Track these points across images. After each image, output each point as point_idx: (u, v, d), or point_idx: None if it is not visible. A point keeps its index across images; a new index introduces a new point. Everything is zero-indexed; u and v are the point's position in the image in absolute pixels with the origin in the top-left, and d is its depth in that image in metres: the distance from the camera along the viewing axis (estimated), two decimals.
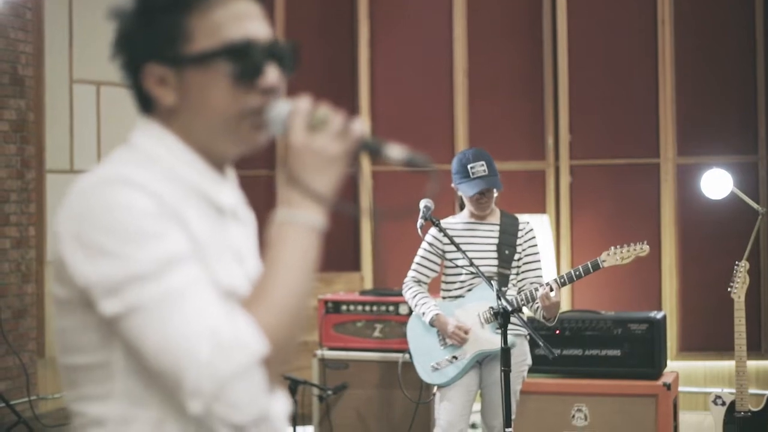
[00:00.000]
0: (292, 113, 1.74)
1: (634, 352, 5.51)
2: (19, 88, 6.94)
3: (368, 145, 1.75)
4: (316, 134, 1.72)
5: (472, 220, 5.28)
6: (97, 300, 1.64)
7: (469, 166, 5.17)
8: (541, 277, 5.24)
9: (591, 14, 7.53)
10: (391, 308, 6.14)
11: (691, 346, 7.24)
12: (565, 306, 7.15)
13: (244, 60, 1.76)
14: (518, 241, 5.20)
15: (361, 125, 1.75)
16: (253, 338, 1.61)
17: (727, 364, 6.73)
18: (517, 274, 5.19)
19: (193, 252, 1.68)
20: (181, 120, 1.80)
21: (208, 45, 1.76)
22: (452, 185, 5.29)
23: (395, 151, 1.74)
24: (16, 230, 6.90)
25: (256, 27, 1.80)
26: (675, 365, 6.60)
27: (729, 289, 5.55)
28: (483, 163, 5.20)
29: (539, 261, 5.29)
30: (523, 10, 7.70)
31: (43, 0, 7.09)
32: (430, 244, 5.29)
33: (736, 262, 5.58)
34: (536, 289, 4.98)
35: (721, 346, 6.82)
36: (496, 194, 5.24)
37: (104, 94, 7.38)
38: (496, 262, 5.16)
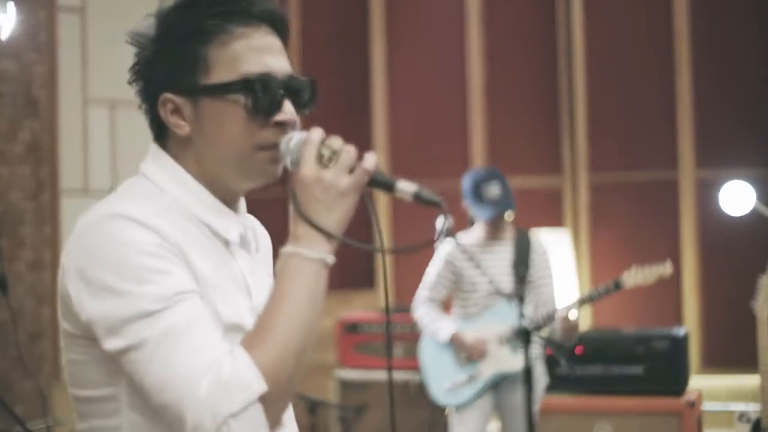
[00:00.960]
0: (303, 145, 1.73)
1: (657, 369, 5.44)
2: (33, 110, 6.91)
3: (379, 181, 1.74)
4: (326, 167, 1.71)
5: (486, 238, 5.23)
6: (101, 336, 1.65)
7: (481, 188, 5.12)
8: (553, 296, 5.19)
9: (606, 27, 7.49)
10: (412, 327, 6.09)
11: (714, 363, 7.15)
12: (585, 322, 7.08)
13: (262, 94, 1.75)
14: (532, 260, 5.15)
15: (373, 159, 1.73)
16: (254, 377, 1.60)
17: (751, 380, 6.63)
18: (532, 291, 5.14)
19: (195, 288, 1.68)
20: (194, 150, 1.80)
21: (225, 77, 1.76)
22: (464, 202, 5.24)
23: (406, 187, 1.73)
24: (31, 252, 6.87)
25: (275, 61, 1.79)
26: (697, 381, 6.51)
27: (752, 304, 5.47)
28: (496, 184, 5.14)
29: (552, 280, 5.23)
30: (538, 24, 7.66)
31: (56, 21, 7.07)
32: (447, 262, 5.23)
33: (760, 276, 5.49)
34: (554, 311, 4.92)
35: (744, 362, 6.73)
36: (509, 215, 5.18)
37: (118, 115, 7.36)
38: (511, 280, 5.11)
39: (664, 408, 5.35)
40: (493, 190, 5.14)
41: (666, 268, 5.01)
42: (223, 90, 1.76)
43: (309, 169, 1.71)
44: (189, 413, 1.58)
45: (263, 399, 1.60)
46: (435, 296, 5.31)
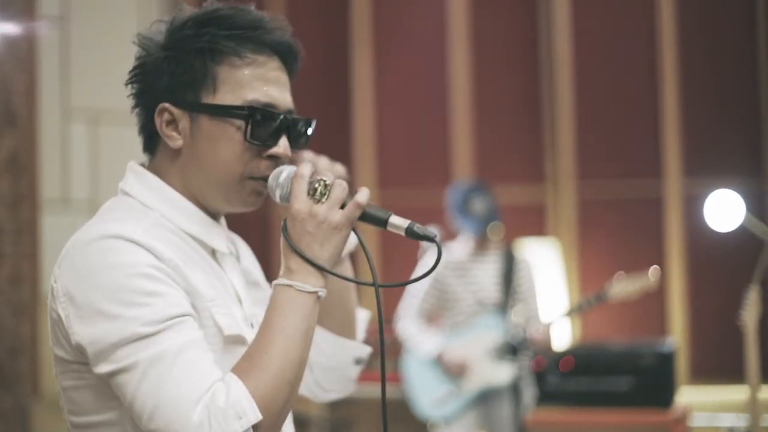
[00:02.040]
0: (294, 179, 1.73)
1: (645, 383, 5.41)
2: (13, 121, 6.83)
3: (372, 215, 1.73)
4: (319, 202, 1.71)
5: (473, 250, 5.26)
6: (92, 360, 1.63)
7: (467, 201, 5.15)
8: (537, 309, 5.23)
9: (591, 37, 7.47)
10: (393, 342, 6.05)
11: (701, 375, 7.12)
12: (573, 334, 7.06)
13: (263, 124, 1.76)
14: (517, 273, 5.20)
15: (365, 194, 1.73)
16: (250, 406, 1.58)
17: (738, 392, 6.61)
18: (519, 303, 5.17)
19: (189, 310, 1.66)
20: (181, 165, 1.79)
21: (230, 100, 1.75)
22: (449, 215, 5.26)
23: (398, 222, 1.72)
24: (10, 266, 6.78)
25: (279, 95, 1.80)
26: (684, 393, 6.48)
27: (740, 316, 5.43)
28: (481, 198, 5.18)
29: (536, 293, 5.27)
30: (521, 35, 7.63)
31: (37, 32, 6.99)
32: (438, 274, 5.24)
33: (747, 287, 5.46)
34: (525, 330, 4.97)
35: (731, 374, 6.70)
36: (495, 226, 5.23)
37: (99, 126, 7.28)
38: (498, 292, 5.13)
39: (652, 422, 5.32)
40: (478, 203, 5.17)
41: (650, 278, 5.01)
42: (226, 112, 1.76)
43: (301, 203, 1.71)
44: None
45: (257, 428, 1.60)
46: (419, 308, 5.31)
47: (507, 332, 4.84)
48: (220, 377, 1.61)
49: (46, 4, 7.04)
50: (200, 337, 1.66)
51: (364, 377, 6.41)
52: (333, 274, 1.73)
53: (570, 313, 5.10)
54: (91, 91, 7.03)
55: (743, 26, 7.30)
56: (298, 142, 1.84)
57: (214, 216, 1.85)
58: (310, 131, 1.87)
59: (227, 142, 1.76)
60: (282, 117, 1.79)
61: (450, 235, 5.45)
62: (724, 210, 5.86)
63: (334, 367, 2.01)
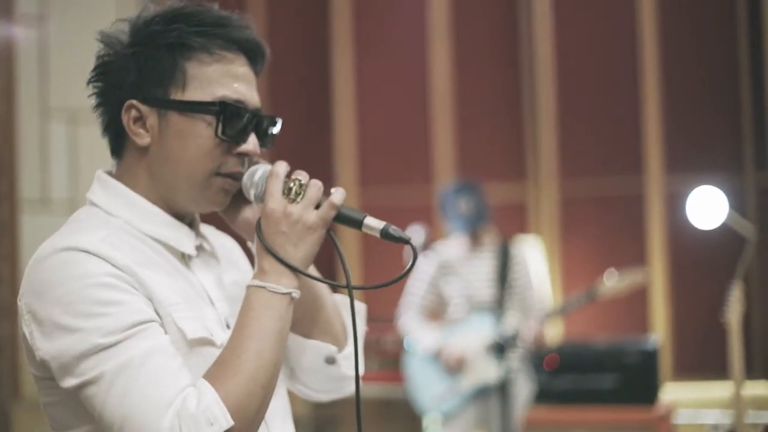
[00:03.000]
0: (269, 178, 1.71)
1: (629, 381, 5.43)
2: None
3: (347, 216, 1.72)
4: (293, 202, 1.69)
5: (466, 249, 5.29)
6: (57, 376, 1.60)
7: (454, 202, 5.20)
8: (536, 302, 5.27)
9: (572, 33, 7.46)
10: (389, 341, 6.06)
11: (683, 371, 7.12)
12: (556, 332, 7.05)
13: (234, 121, 1.73)
14: (512, 268, 5.23)
15: (341, 194, 1.71)
16: (221, 412, 1.56)
17: (721, 389, 6.62)
18: (515, 299, 5.21)
19: (152, 316, 1.63)
20: (148, 163, 1.76)
21: (200, 96, 1.73)
22: (440, 214, 5.29)
23: (374, 223, 1.71)
24: None
25: (248, 92, 1.78)
26: (667, 390, 6.49)
27: (723, 313, 5.43)
28: (468, 198, 5.22)
29: (533, 286, 5.31)
30: (502, 33, 7.62)
31: (14, 31, 6.94)
32: (435, 272, 5.30)
33: (730, 284, 5.46)
34: (518, 327, 5.00)
35: (714, 371, 6.71)
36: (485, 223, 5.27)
37: (78, 125, 7.24)
38: (493, 289, 5.17)
39: (637, 419, 5.33)
40: (465, 203, 5.20)
41: (642, 276, 5.05)
42: (196, 108, 1.74)
43: (275, 203, 1.70)
44: None
45: None
46: (420, 306, 5.35)
47: (499, 329, 4.88)
48: (189, 383, 1.59)
49: (25, 3, 6.99)
50: (166, 343, 1.63)
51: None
52: (306, 275, 1.72)
53: (562, 311, 5.13)
54: (70, 91, 6.98)
55: (725, 23, 7.30)
56: (264, 140, 1.82)
57: (182, 218, 1.83)
58: (275, 130, 1.85)
59: (197, 139, 1.74)
60: (251, 114, 1.77)
61: (437, 234, 5.47)
62: (707, 207, 5.86)
63: (311, 368, 1.97)
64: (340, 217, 1.73)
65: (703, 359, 7.01)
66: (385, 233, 1.71)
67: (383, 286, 1.79)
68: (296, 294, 1.70)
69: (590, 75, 7.48)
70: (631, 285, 5.03)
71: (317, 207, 1.71)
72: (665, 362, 6.92)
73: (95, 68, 1.80)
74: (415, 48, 7.68)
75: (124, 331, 1.59)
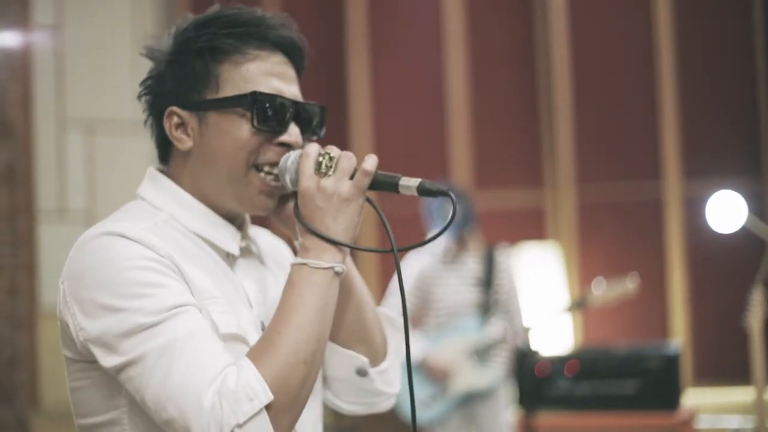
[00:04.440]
0: (301, 158, 1.71)
1: (650, 386, 5.38)
2: (8, 131, 6.79)
3: (381, 181, 1.71)
4: (326, 176, 1.69)
5: (452, 253, 5.33)
6: (100, 356, 1.61)
7: (440, 207, 5.25)
8: (519, 309, 5.30)
9: (589, 38, 7.44)
10: None
11: (703, 377, 7.09)
12: (574, 337, 7.03)
13: (269, 110, 1.73)
14: (497, 274, 5.28)
15: (373, 161, 1.71)
16: (261, 386, 1.55)
17: (742, 394, 6.58)
18: (500, 304, 5.24)
19: (192, 300, 1.64)
20: (191, 166, 1.78)
21: (233, 94, 1.74)
22: (426, 219, 5.34)
23: (409, 182, 1.70)
24: (7, 278, 6.74)
25: (285, 87, 1.78)
26: (688, 395, 6.45)
27: (744, 318, 5.39)
28: (453, 207, 5.24)
29: (517, 293, 5.35)
30: (518, 38, 7.60)
31: (31, 41, 6.96)
32: (417, 279, 5.32)
33: (749, 288, 5.42)
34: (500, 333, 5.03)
35: (734, 376, 6.67)
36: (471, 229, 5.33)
37: (95, 136, 7.25)
38: (477, 294, 5.20)
39: (659, 425, 5.29)
40: (448, 209, 5.21)
41: (628, 285, 5.04)
42: (231, 103, 1.74)
43: (308, 180, 1.70)
44: (194, 426, 1.54)
45: (270, 408, 1.57)
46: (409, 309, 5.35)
47: (482, 335, 4.92)
48: (230, 362, 1.59)
49: (41, 14, 7.01)
50: (206, 325, 1.64)
51: None
52: (347, 245, 1.71)
53: (552, 318, 5.14)
54: (87, 101, 7.00)
55: (741, 28, 7.27)
56: (309, 130, 1.83)
57: (232, 220, 1.84)
58: (322, 120, 1.86)
59: (235, 132, 1.75)
60: (288, 103, 1.78)
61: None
62: (726, 211, 5.83)
63: (343, 378, 1.96)
64: (376, 184, 1.72)
65: (723, 364, 6.98)
66: (421, 189, 1.70)
67: (428, 243, 1.81)
68: (339, 268, 1.69)
69: (607, 79, 7.46)
70: (620, 295, 5.02)
71: (351, 178, 1.71)
72: (685, 367, 6.88)
73: (142, 82, 1.83)
74: (430, 54, 7.67)
75: (166, 312, 1.60)
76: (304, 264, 1.68)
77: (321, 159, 1.71)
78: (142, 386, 1.58)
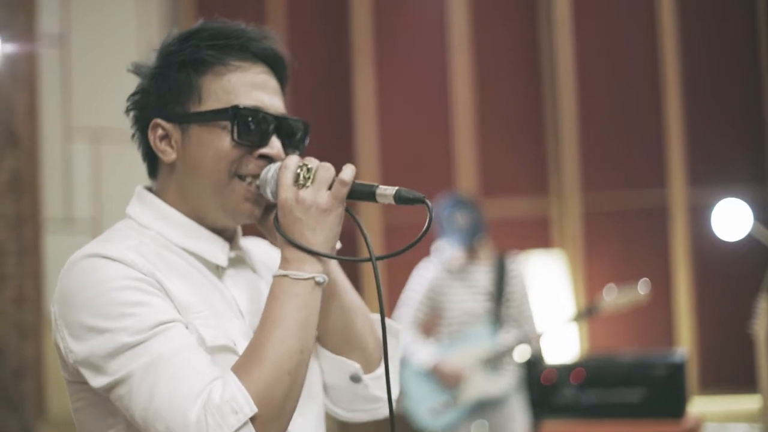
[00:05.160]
0: (280, 170, 1.73)
1: (656, 394, 5.37)
2: (14, 141, 6.81)
3: (359, 190, 1.72)
4: (304, 187, 1.71)
5: (463, 262, 5.33)
6: (88, 377, 1.64)
7: (449, 216, 5.24)
8: (532, 316, 5.30)
9: (593, 46, 7.44)
10: None
11: (709, 385, 7.08)
12: (580, 345, 7.02)
13: (250, 123, 1.76)
14: (508, 282, 5.28)
15: (350, 171, 1.72)
16: (245, 399, 1.57)
17: (748, 402, 6.57)
18: (511, 312, 5.25)
19: (177, 316, 1.66)
20: (177, 178, 1.80)
21: (215, 107, 1.77)
22: (436, 228, 5.32)
23: (386, 191, 1.71)
24: (14, 287, 6.75)
25: (267, 99, 1.80)
26: (694, 403, 6.44)
27: (750, 325, 5.39)
28: (463, 212, 5.27)
29: (529, 300, 5.34)
30: (523, 46, 7.60)
31: (37, 51, 6.98)
32: (428, 289, 5.31)
33: (756, 296, 5.41)
34: (524, 335, 5.15)
35: (740, 384, 6.66)
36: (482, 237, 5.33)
37: (101, 145, 7.26)
38: (489, 303, 5.20)
39: None
40: (462, 217, 5.25)
41: (639, 290, 5.05)
42: (212, 117, 1.76)
43: (287, 191, 1.72)
44: None
45: (255, 421, 1.59)
46: (414, 318, 5.36)
47: (494, 343, 4.92)
48: (216, 376, 1.61)
49: (46, 23, 7.03)
50: (192, 340, 1.66)
51: None
52: (326, 255, 1.72)
53: (563, 326, 5.14)
54: (93, 110, 7.01)
55: (745, 35, 7.27)
56: (293, 144, 1.85)
57: (221, 232, 1.86)
58: (305, 134, 1.87)
59: (216, 145, 1.77)
60: (269, 117, 1.79)
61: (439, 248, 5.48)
62: (731, 219, 5.82)
63: (338, 385, 1.97)
64: (354, 193, 1.73)
65: (729, 372, 6.96)
66: (398, 197, 1.72)
67: (404, 251, 1.77)
68: (320, 278, 1.71)
69: (612, 88, 7.46)
70: (631, 301, 5.03)
71: (330, 188, 1.73)
72: (691, 375, 6.87)
73: (129, 98, 1.86)
74: (435, 64, 7.68)
75: (150, 330, 1.62)
76: (285, 276, 1.70)
77: (299, 171, 1.73)
78: (131, 404, 1.61)
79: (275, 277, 1.71)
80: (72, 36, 7.23)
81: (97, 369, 1.63)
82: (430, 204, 1.72)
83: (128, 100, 1.86)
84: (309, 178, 1.72)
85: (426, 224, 1.72)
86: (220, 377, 1.61)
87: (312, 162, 1.74)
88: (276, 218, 1.75)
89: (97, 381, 1.63)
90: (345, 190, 1.72)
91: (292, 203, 1.71)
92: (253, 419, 1.58)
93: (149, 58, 1.84)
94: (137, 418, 1.60)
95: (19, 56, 6.88)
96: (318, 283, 1.71)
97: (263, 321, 1.68)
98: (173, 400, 1.57)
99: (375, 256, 1.73)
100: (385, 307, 1.78)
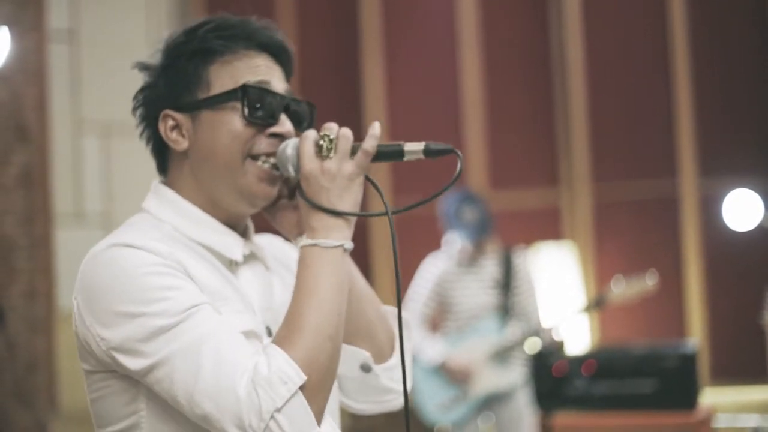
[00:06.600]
0: (300, 142, 1.75)
1: (668, 385, 5.36)
2: (25, 136, 6.82)
3: (386, 153, 1.76)
4: (327, 158, 1.73)
5: (469, 257, 5.33)
6: (125, 362, 1.63)
7: (457, 212, 5.24)
8: (537, 310, 5.30)
9: (603, 37, 7.43)
10: None
11: (720, 375, 7.06)
12: (591, 336, 7.01)
13: (259, 101, 1.77)
14: (514, 276, 5.28)
15: (373, 138, 1.76)
16: (293, 369, 1.58)
17: (759, 392, 6.56)
18: (517, 307, 5.25)
19: (207, 299, 1.67)
20: (191, 167, 1.81)
21: (225, 89, 1.78)
22: (443, 223, 5.34)
23: (414, 147, 1.75)
24: (25, 282, 6.77)
25: (273, 79, 1.82)
26: (705, 394, 6.43)
27: (760, 316, 5.38)
28: (472, 208, 5.27)
29: (535, 294, 5.35)
30: (533, 38, 7.59)
31: (46, 44, 6.99)
32: (435, 283, 5.32)
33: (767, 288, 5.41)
34: (534, 327, 5.13)
35: (751, 375, 6.65)
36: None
37: (111, 139, 7.27)
38: (496, 297, 5.20)
39: (676, 424, 5.27)
40: (469, 212, 5.25)
41: (647, 281, 5.05)
42: (222, 99, 1.78)
43: (310, 163, 1.74)
44: (233, 418, 1.57)
45: (305, 389, 1.60)
46: (421, 314, 5.37)
47: (502, 337, 4.92)
48: (256, 351, 1.62)
49: (56, 18, 7.04)
50: (225, 321, 1.66)
51: None
52: (351, 214, 1.74)
53: (572, 317, 5.13)
54: (103, 104, 7.02)
55: (754, 25, 7.25)
56: (300, 125, 1.86)
57: (236, 225, 1.86)
58: (311, 116, 1.89)
59: (227, 126, 1.78)
60: (278, 95, 1.81)
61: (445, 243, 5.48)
62: (743, 209, 5.82)
63: (349, 375, 1.97)
64: (380, 156, 1.77)
65: (741, 363, 6.95)
66: (428, 151, 1.76)
67: (425, 203, 1.81)
68: (348, 245, 1.74)
69: (622, 78, 7.44)
70: (639, 292, 5.03)
71: (352, 156, 1.75)
72: (703, 366, 6.86)
73: (135, 96, 1.87)
74: (445, 57, 7.67)
75: (185, 311, 1.63)
76: (315, 245, 1.72)
77: (322, 142, 1.75)
78: (173, 386, 1.61)
79: (303, 246, 1.73)
80: (81, 30, 7.24)
81: (134, 353, 1.63)
82: (460, 153, 1.77)
83: (134, 98, 1.87)
84: (331, 148, 1.74)
85: (456, 173, 1.76)
86: (262, 350, 1.62)
87: (332, 131, 1.77)
88: (300, 189, 1.76)
89: (135, 364, 1.63)
90: (369, 158, 1.75)
91: (318, 174, 1.73)
92: (302, 387, 1.59)
93: (153, 56, 1.86)
94: (181, 399, 1.60)
95: (29, 51, 6.89)
96: (346, 250, 1.74)
97: (297, 291, 1.69)
98: (219, 378, 1.57)
99: (390, 210, 1.76)
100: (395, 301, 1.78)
